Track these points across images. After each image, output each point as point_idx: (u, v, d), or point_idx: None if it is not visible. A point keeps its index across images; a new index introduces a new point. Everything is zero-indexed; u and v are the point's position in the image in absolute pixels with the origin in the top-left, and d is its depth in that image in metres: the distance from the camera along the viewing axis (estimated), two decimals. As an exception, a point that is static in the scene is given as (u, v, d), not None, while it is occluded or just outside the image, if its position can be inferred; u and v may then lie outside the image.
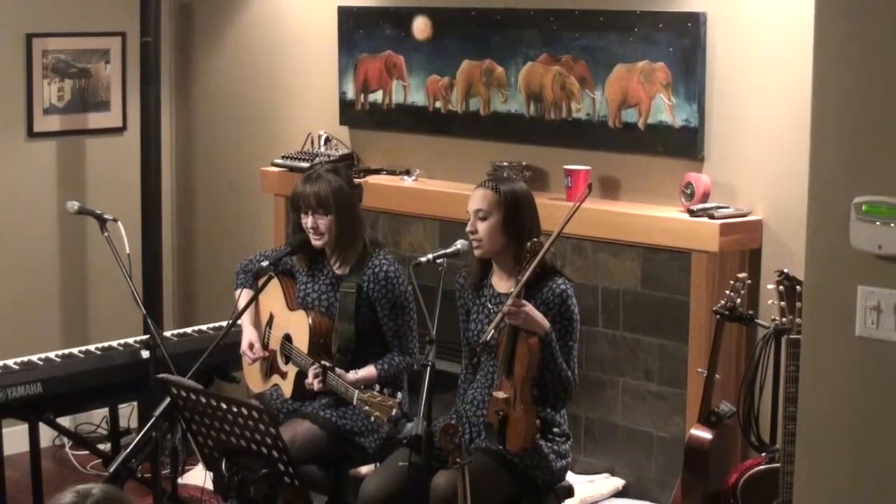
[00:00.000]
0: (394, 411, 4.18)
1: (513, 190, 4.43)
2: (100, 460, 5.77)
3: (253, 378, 4.96)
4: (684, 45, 4.79)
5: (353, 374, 4.57)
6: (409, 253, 5.44)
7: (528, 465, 4.34)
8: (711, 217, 4.68)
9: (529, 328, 4.22)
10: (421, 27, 5.61)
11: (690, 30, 4.78)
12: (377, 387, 4.27)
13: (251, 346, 4.83)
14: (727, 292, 4.38)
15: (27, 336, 6.19)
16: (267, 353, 4.87)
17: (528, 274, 4.22)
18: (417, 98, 5.66)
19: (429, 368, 4.04)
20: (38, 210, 6.41)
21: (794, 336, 3.93)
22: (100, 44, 6.49)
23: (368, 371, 4.62)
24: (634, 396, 4.99)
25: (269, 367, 4.88)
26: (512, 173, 5.10)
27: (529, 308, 4.22)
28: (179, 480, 4.99)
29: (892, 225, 2.94)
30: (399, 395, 4.24)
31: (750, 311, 4.44)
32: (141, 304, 5.04)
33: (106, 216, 5.04)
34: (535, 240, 4.27)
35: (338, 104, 5.96)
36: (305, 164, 5.67)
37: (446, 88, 5.54)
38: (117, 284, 5.56)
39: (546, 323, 4.25)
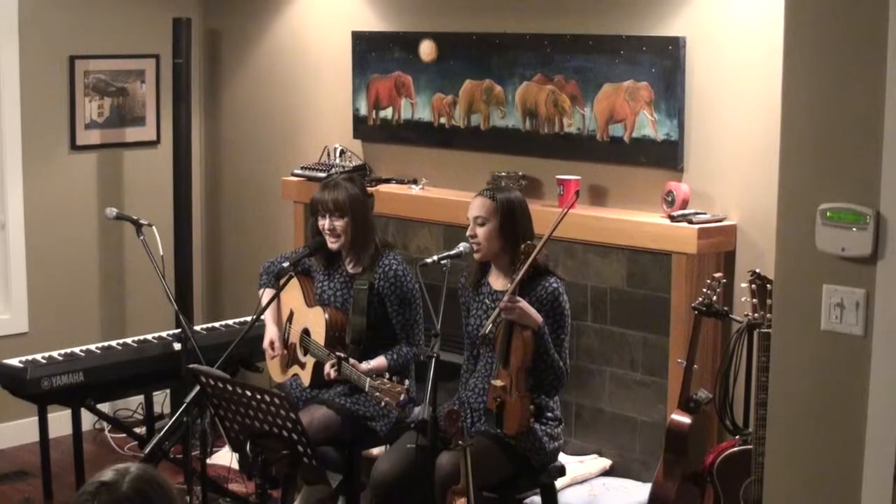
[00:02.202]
0: (402, 397, 4.19)
1: (508, 198, 4.44)
2: (136, 442, 5.78)
3: (275, 368, 4.96)
4: (666, 66, 4.80)
5: (365, 364, 4.57)
6: (416, 255, 5.44)
7: (524, 446, 4.34)
8: (690, 222, 4.68)
9: (523, 322, 4.22)
10: (427, 50, 5.62)
11: (671, 52, 4.78)
12: (387, 375, 4.28)
13: (272, 345, 4.85)
14: (704, 290, 4.38)
15: (70, 330, 6.21)
16: (285, 352, 4.87)
17: (521, 273, 4.23)
18: (424, 114, 5.66)
19: (434, 359, 4.05)
20: (81, 216, 6.41)
21: (765, 330, 3.93)
22: (136, 65, 6.50)
23: (379, 361, 4.63)
24: (620, 385, 4.99)
25: (290, 358, 4.88)
26: (509, 182, 5.10)
27: (523, 304, 4.23)
28: (208, 461, 5.00)
29: (853, 229, 2.94)
30: (407, 382, 4.25)
31: (725, 308, 4.44)
32: (173, 301, 5.04)
33: (141, 221, 5.05)
34: (528, 242, 4.28)
35: (352, 120, 5.96)
36: (322, 175, 5.68)
37: (450, 105, 5.55)
38: (152, 283, 5.57)
39: (539, 318, 4.25)
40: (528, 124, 5.28)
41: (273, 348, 4.85)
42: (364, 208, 4.75)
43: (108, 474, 2.28)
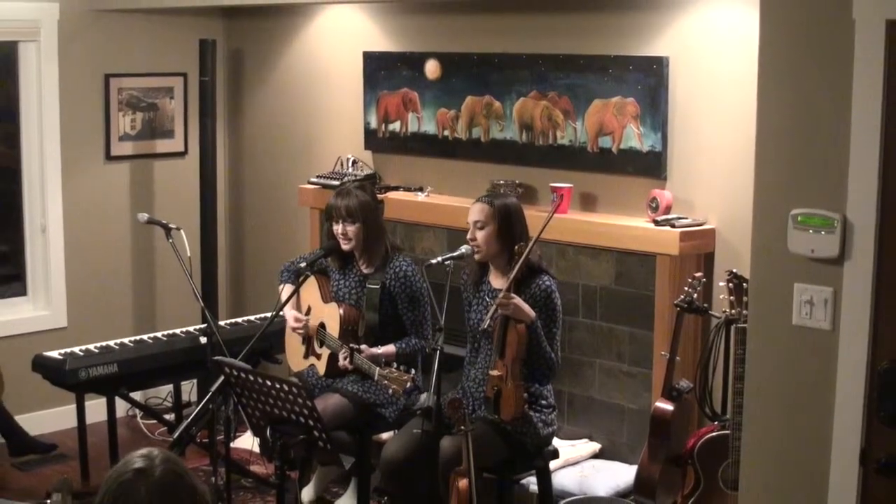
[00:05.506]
0: (408, 384, 4.19)
1: (505, 204, 4.44)
2: (165, 428, 5.78)
3: (293, 359, 4.96)
4: (650, 83, 4.80)
5: (376, 350, 4.58)
6: (421, 256, 5.44)
7: (520, 431, 4.34)
8: (673, 226, 4.68)
9: (518, 317, 4.23)
10: (432, 69, 5.62)
11: (655, 71, 4.78)
12: (395, 364, 4.28)
13: (297, 320, 4.77)
14: (686, 288, 4.38)
15: (105, 324, 6.22)
16: (309, 322, 4.80)
17: (515, 272, 4.23)
18: (429, 127, 5.66)
19: (438, 352, 4.06)
20: (115, 220, 6.42)
21: (742, 325, 3.93)
22: (165, 82, 6.50)
23: (388, 348, 4.64)
24: (609, 375, 4.99)
25: (307, 350, 4.89)
26: (507, 190, 5.10)
27: (517, 300, 4.23)
28: (231, 445, 5.00)
29: (822, 233, 2.94)
30: (413, 371, 4.25)
31: (705, 304, 4.44)
32: (199, 298, 5.05)
33: (171, 225, 5.05)
34: (520, 244, 4.29)
35: (363, 132, 5.96)
36: (336, 183, 5.68)
37: (453, 119, 5.55)
38: (180, 282, 5.58)
39: (532, 313, 4.26)
40: (525, 137, 5.28)
41: (299, 322, 4.77)
42: (375, 213, 4.76)
43: (137, 462, 2.27)
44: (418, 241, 5.62)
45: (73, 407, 5.11)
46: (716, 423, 4.30)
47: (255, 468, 5.44)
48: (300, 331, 4.81)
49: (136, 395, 5.52)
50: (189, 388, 6.17)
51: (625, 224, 4.84)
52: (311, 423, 3.97)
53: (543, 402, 4.43)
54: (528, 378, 4.33)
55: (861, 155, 2.87)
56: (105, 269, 6.39)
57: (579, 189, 5.10)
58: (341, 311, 4.70)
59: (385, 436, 4.96)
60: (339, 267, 4.83)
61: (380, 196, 5.13)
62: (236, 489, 5.17)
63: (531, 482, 4.70)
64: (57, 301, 6.22)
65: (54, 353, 4.98)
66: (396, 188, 5.76)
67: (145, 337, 5.28)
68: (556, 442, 4.61)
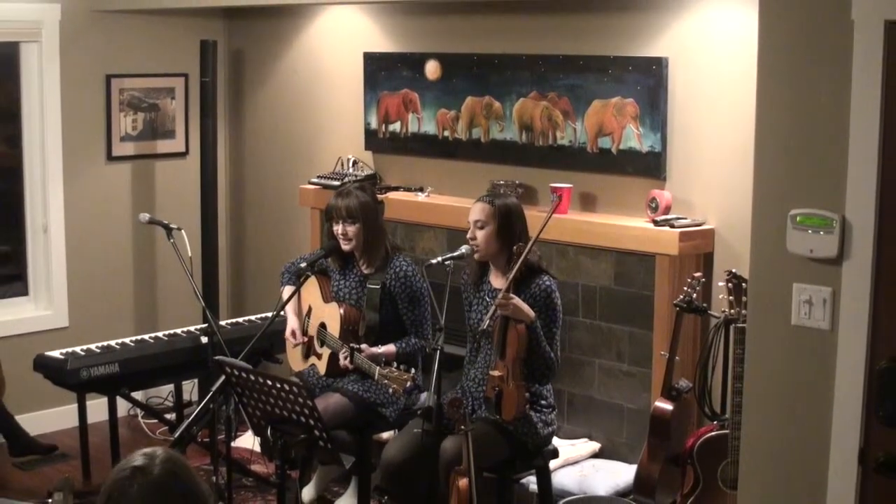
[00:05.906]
0: (408, 384, 4.19)
1: (505, 203, 4.44)
2: (166, 427, 5.79)
3: (294, 359, 4.97)
4: (650, 84, 4.80)
5: (376, 349, 4.58)
6: (422, 256, 5.44)
7: (520, 431, 4.34)
8: (672, 226, 4.68)
9: (518, 317, 4.23)
10: (432, 69, 5.62)
11: (655, 72, 4.78)
12: (395, 363, 4.28)
13: (293, 334, 4.85)
14: (685, 288, 4.38)
15: (107, 324, 6.22)
16: (306, 339, 4.87)
17: (514, 272, 4.23)
18: (429, 128, 5.66)
19: (438, 351, 4.06)
20: (116, 221, 6.42)
21: (741, 325, 3.93)
22: (167, 83, 6.50)
23: (388, 348, 4.64)
24: (608, 375, 4.99)
25: (308, 350, 4.89)
26: (507, 190, 5.10)
27: (517, 301, 4.23)
28: (232, 444, 5.00)
29: (821, 233, 2.95)
30: (412, 370, 4.26)
31: (704, 304, 4.44)
32: (200, 298, 5.05)
33: (172, 226, 5.06)
34: (519, 244, 4.29)
35: (363, 133, 5.97)
36: (336, 183, 5.68)
37: (453, 120, 5.55)
38: (181, 282, 5.58)
39: (532, 313, 4.26)
40: (525, 137, 5.28)
41: (294, 337, 4.85)
42: (374, 214, 4.76)
43: (138, 459, 2.28)
44: (418, 241, 5.62)
45: (74, 406, 5.11)
46: (715, 422, 4.29)
47: (255, 467, 5.44)
48: (294, 343, 4.85)
49: (138, 395, 5.52)
50: (190, 388, 6.16)
51: (624, 224, 4.84)
52: (311, 422, 3.97)
53: (543, 402, 4.43)
54: (527, 378, 4.33)
55: (860, 155, 2.87)
56: (106, 269, 6.39)
57: (579, 189, 5.10)
58: (342, 311, 4.70)
59: (385, 435, 4.96)
60: (340, 267, 4.84)
61: (380, 196, 5.13)
62: (237, 488, 5.17)
63: (531, 481, 4.70)
64: (58, 301, 6.22)
65: (56, 353, 4.98)
66: (397, 188, 5.76)
67: (146, 337, 5.28)
68: (555, 441, 4.61)
